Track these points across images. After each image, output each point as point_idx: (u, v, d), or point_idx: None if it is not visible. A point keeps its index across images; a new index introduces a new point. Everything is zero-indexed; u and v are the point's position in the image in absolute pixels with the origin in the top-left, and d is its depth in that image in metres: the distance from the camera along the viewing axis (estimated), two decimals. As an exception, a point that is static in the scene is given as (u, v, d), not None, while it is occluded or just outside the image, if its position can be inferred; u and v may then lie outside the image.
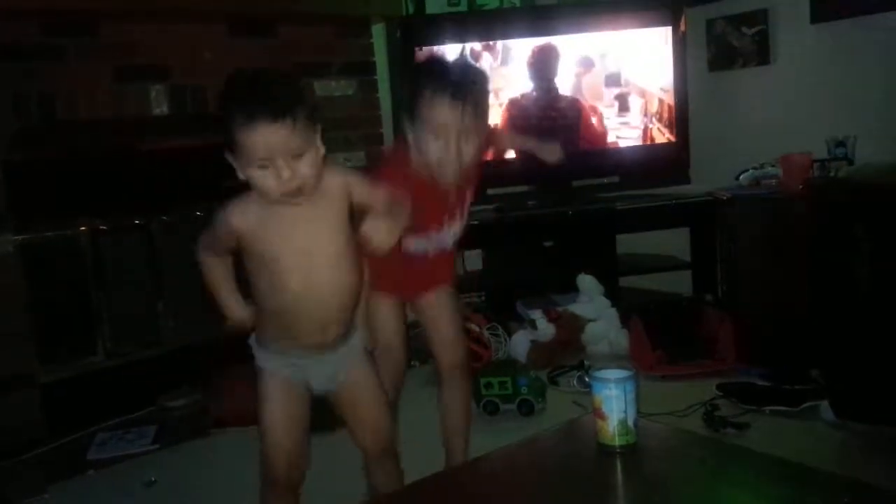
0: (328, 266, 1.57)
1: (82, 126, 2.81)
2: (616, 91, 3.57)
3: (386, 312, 2.00)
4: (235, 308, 1.72)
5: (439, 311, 2.04)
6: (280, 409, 1.68)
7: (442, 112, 1.68)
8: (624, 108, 3.59)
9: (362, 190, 1.59)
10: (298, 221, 1.53)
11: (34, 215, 2.78)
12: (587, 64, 3.54)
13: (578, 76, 3.55)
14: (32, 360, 2.73)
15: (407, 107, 1.77)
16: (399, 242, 1.77)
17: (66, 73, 2.73)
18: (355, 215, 1.60)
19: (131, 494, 2.35)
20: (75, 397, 2.83)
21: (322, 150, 1.52)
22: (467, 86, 1.71)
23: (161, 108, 2.96)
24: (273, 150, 1.42)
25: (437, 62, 1.96)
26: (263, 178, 1.46)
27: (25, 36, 2.64)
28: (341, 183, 1.56)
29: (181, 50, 2.98)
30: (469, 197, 1.96)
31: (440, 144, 1.71)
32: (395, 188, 1.65)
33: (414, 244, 1.88)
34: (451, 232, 1.94)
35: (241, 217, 1.58)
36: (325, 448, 2.01)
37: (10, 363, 2.65)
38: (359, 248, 1.60)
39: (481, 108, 1.73)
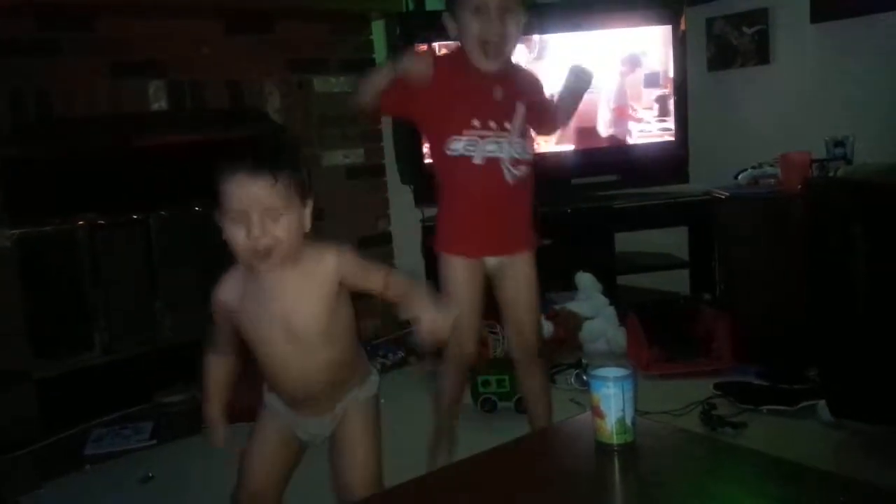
0: (310, 345, 1.53)
1: (79, 122, 2.80)
2: (616, 89, 3.56)
3: (460, 278, 1.87)
4: (214, 421, 1.71)
5: (517, 283, 1.94)
6: (266, 448, 1.69)
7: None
8: (624, 105, 3.58)
9: (356, 274, 1.52)
10: (279, 297, 1.50)
11: (31, 211, 2.78)
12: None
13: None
14: (29, 355, 2.73)
15: (447, 4, 1.80)
16: (448, 159, 1.80)
17: (62, 68, 2.72)
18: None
19: (127, 490, 2.35)
20: (72, 393, 2.83)
21: (307, 223, 1.48)
22: None
23: (159, 104, 2.95)
24: (248, 203, 1.41)
25: None
26: (234, 232, 1.43)
27: (22, 31, 2.63)
28: (333, 265, 1.50)
29: (178, 46, 2.97)
30: (521, 111, 1.83)
31: (481, 20, 1.72)
32: (442, 64, 1.75)
33: (455, 143, 1.79)
34: (502, 142, 1.80)
35: (226, 288, 1.56)
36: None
37: (5, 359, 2.65)
38: (351, 326, 1.58)
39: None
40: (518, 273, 1.95)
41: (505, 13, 1.73)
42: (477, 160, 1.80)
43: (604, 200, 3.57)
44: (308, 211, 1.49)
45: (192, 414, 2.83)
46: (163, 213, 3.17)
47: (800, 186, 2.80)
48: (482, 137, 1.80)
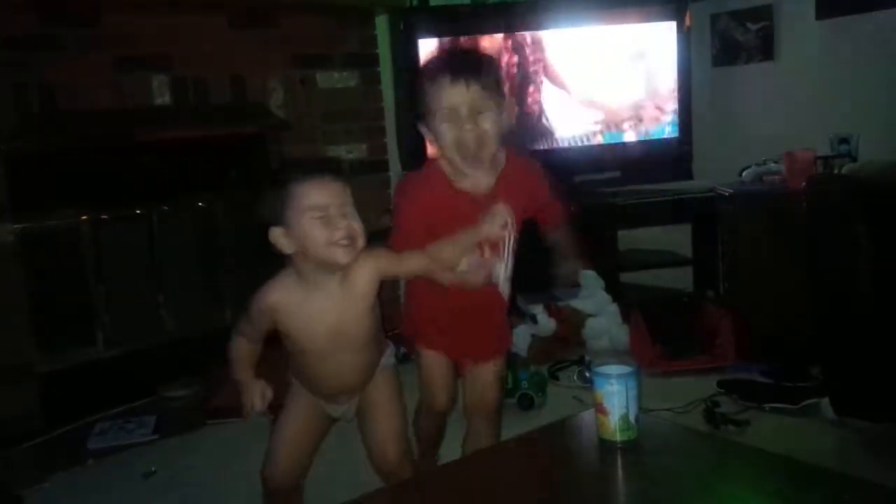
0: (352, 350, 1.67)
1: (83, 116, 2.80)
2: (619, 86, 3.56)
3: (434, 367, 1.89)
4: (246, 381, 1.75)
5: (485, 382, 1.91)
6: (296, 425, 1.78)
7: (446, 93, 1.61)
8: (627, 102, 3.57)
9: (393, 266, 1.70)
10: (327, 306, 1.62)
11: (34, 205, 2.78)
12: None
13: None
14: (32, 349, 2.73)
15: (416, 107, 1.71)
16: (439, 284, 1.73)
17: (66, 63, 2.71)
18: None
19: (130, 484, 2.35)
20: (75, 387, 2.83)
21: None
22: (467, 64, 1.65)
23: (162, 99, 2.95)
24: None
25: (434, 56, 1.88)
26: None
27: (25, 26, 2.63)
28: (372, 267, 1.64)
29: (182, 41, 2.96)
30: (512, 228, 1.68)
31: (454, 125, 1.63)
32: (420, 207, 1.72)
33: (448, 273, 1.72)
34: (497, 267, 1.73)
35: (274, 293, 1.67)
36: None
37: (9, 353, 2.65)
38: (379, 316, 1.69)
39: (490, 82, 1.63)
40: (490, 372, 1.91)
41: (477, 114, 1.62)
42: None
43: (607, 197, 3.56)
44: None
45: (195, 408, 2.84)
46: (166, 207, 3.16)
47: (804, 184, 2.80)
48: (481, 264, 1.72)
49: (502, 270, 1.74)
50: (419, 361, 1.91)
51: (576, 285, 1.95)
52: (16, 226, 2.69)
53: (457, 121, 1.63)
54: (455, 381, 1.95)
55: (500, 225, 1.63)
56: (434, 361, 1.89)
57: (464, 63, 1.65)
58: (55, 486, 2.35)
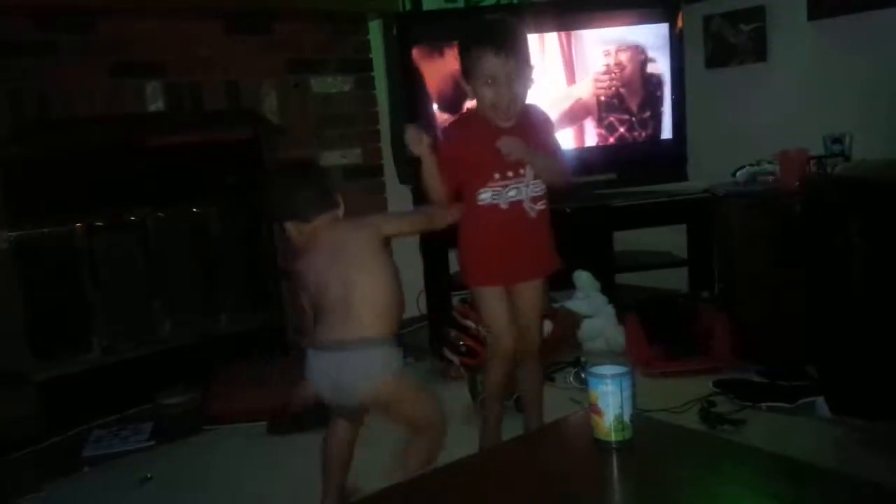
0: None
1: (78, 123, 2.80)
2: (612, 88, 3.56)
3: (494, 302, 2.15)
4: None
5: (531, 298, 2.20)
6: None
7: (489, 63, 1.94)
8: (621, 104, 3.58)
9: (392, 224, 2.08)
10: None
11: (30, 212, 2.78)
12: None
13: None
14: (28, 357, 2.73)
15: (462, 71, 2.03)
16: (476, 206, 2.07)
17: (61, 69, 2.71)
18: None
19: (127, 491, 2.35)
20: (71, 395, 2.83)
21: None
22: (506, 37, 1.97)
23: (157, 105, 2.95)
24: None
25: (475, 26, 2.15)
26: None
27: (20, 32, 2.63)
28: (373, 227, 1.97)
29: (177, 46, 2.96)
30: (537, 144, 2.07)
31: (493, 89, 1.97)
32: (456, 131, 2.13)
33: (483, 194, 2.06)
34: (521, 186, 2.07)
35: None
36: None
37: (5, 361, 2.65)
38: (394, 279, 1.96)
39: (522, 53, 1.98)
40: (535, 289, 2.21)
41: (514, 80, 1.97)
42: (503, 206, 2.08)
43: (602, 199, 3.57)
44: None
45: (191, 415, 2.83)
46: (161, 213, 3.17)
47: (798, 183, 2.81)
48: (504, 186, 2.07)
49: (525, 190, 2.09)
50: (481, 303, 2.18)
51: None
52: (11, 233, 2.69)
53: (495, 86, 1.97)
54: (513, 321, 2.17)
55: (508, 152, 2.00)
56: (493, 296, 2.15)
57: (503, 37, 1.97)
58: (51, 494, 2.35)
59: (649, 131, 3.60)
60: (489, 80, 1.97)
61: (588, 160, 3.61)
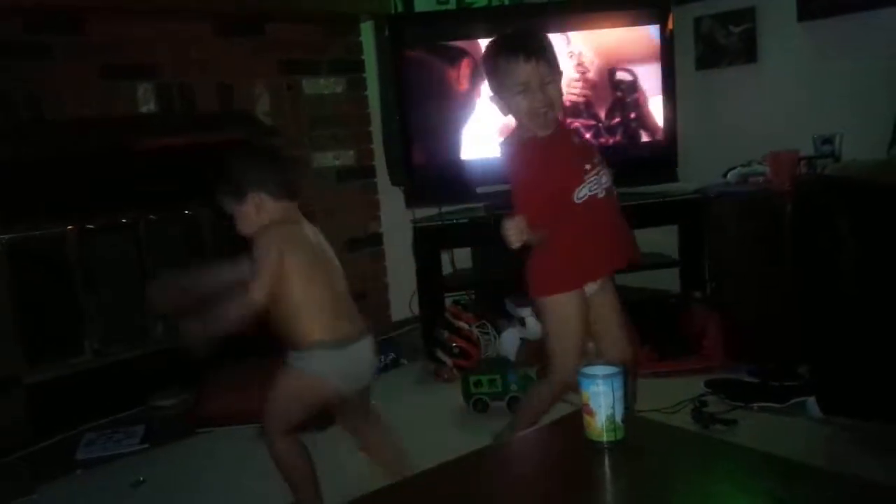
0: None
1: (69, 124, 2.79)
2: (604, 89, 3.57)
3: (575, 311, 2.05)
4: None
5: (611, 304, 2.12)
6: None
7: (520, 70, 1.91)
8: (612, 105, 3.59)
9: None
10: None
11: (21, 215, 2.77)
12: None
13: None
14: (20, 360, 2.72)
15: (492, 87, 2.00)
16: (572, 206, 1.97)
17: (52, 71, 2.70)
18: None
19: (119, 494, 2.34)
20: (63, 397, 2.81)
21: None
22: (534, 44, 1.95)
23: (149, 107, 2.95)
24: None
25: (501, 40, 2.06)
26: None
27: (10, 34, 2.62)
28: None
29: (169, 48, 2.96)
30: (589, 141, 2.15)
31: (528, 97, 1.92)
32: (526, 158, 1.99)
33: (581, 191, 1.98)
34: (600, 177, 2.01)
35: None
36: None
37: (-4, 363, 2.64)
38: None
39: (551, 58, 1.95)
40: (611, 292, 2.14)
41: (546, 85, 1.93)
42: (601, 194, 2.01)
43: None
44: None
45: (184, 417, 2.83)
46: (153, 216, 3.16)
47: (788, 184, 2.82)
48: (588, 180, 2.00)
49: (603, 178, 2.02)
50: (562, 312, 2.05)
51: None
52: (3, 235, 2.68)
53: (529, 92, 1.92)
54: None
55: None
56: (575, 303, 2.04)
57: (531, 43, 1.94)
58: (44, 497, 2.35)
59: (640, 132, 3.61)
60: (522, 89, 1.93)
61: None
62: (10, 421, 2.64)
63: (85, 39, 2.76)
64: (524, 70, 1.91)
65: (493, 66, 1.97)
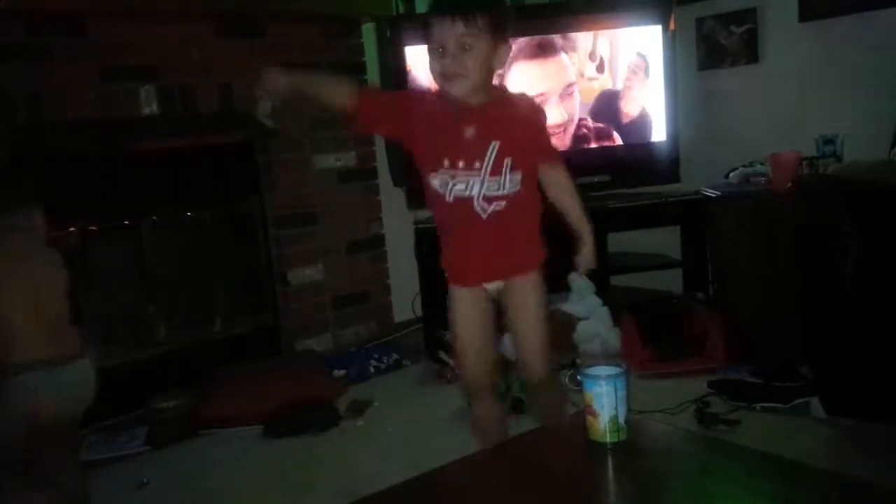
0: None
1: (70, 126, 2.79)
2: (606, 90, 3.57)
3: (462, 308, 1.90)
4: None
5: (515, 309, 1.92)
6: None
7: (436, 28, 1.71)
8: (614, 105, 3.59)
9: None
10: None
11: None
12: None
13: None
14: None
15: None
16: (430, 190, 1.81)
17: (53, 73, 2.70)
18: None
19: (123, 496, 2.34)
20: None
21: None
22: (459, 2, 1.72)
23: (150, 108, 2.95)
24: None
25: None
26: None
27: (11, 35, 2.62)
28: None
29: (169, 50, 2.96)
30: (500, 156, 1.77)
31: (441, 56, 1.72)
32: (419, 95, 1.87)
33: (432, 180, 1.81)
34: (470, 182, 1.78)
35: None
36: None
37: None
38: None
39: (479, 23, 1.70)
40: (517, 297, 1.92)
41: (464, 51, 1.70)
42: (448, 198, 1.81)
43: (596, 201, 3.57)
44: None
45: (186, 419, 2.82)
46: (154, 217, 3.16)
47: (790, 185, 2.82)
48: (452, 177, 1.79)
49: (476, 187, 1.78)
50: (452, 305, 1.91)
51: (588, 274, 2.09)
52: (4, 238, 2.68)
53: (443, 54, 1.72)
54: (490, 350, 1.95)
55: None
56: (461, 301, 1.90)
57: (462, 2, 1.71)
58: (46, 499, 2.34)
59: (642, 133, 3.61)
60: (437, 48, 1.72)
61: (582, 162, 3.61)
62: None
63: (86, 41, 2.77)
64: (442, 29, 1.70)
65: (425, 18, 1.77)
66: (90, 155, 2.89)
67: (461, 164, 1.77)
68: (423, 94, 1.89)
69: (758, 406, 2.51)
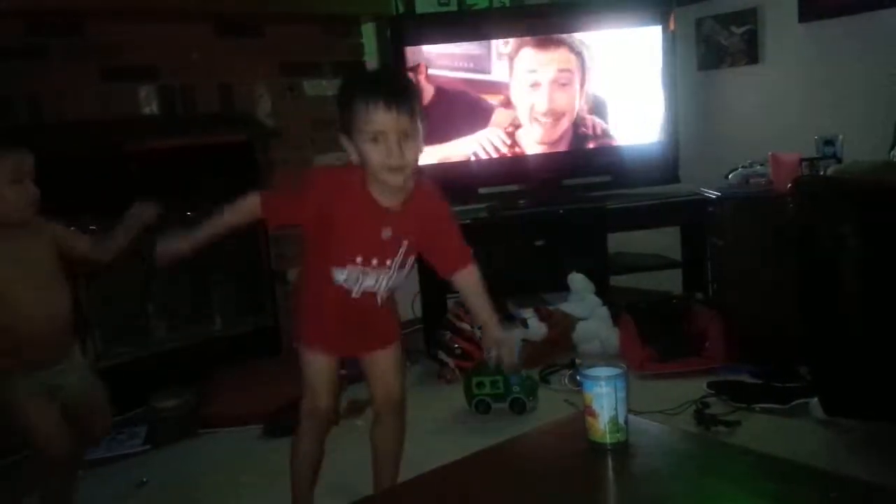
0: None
1: (69, 127, 2.79)
2: (606, 90, 3.57)
3: (318, 367, 1.92)
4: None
5: (383, 370, 1.97)
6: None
7: (378, 117, 1.65)
8: (614, 106, 3.59)
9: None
10: None
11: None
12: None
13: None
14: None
15: (342, 123, 1.73)
16: (326, 279, 1.80)
17: (52, 73, 2.70)
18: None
19: (122, 495, 2.34)
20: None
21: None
22: (399, 89, 1.70)
23: (150, 108, 2.95)
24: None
25: (364, 72, 1.87)
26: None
27: (10, 36, 2.62)
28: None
29: (169, 50, 2.96)
30: (407, 252, 1.81)
31: (380, 149, 1.66)
32: (334, 178, 1.79)
33: (338, 274, 1.80)
34: (380, 278, 1.81)
35: None
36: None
37: None
38: None
39: (416, 110, 1.69)
40: (378, 364, 1.97)
41: (404, 140, 1.67)
42: (355, 294, 1.82)
43: (596, 201, 3.58)
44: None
45: (186, 418, 2.82)
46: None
47: (790, 185, 2.82)
48: (363, 273, 1.80)
49: (384, 282, 1.83)
50: (304, 361, 1.92)
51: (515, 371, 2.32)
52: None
53: (383, 144, 1.66)
54: (337, 383, 1.99)
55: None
56: (319, 362, 1.91)
57: (395, 89, 1.69)
58: (46, 498, 2.34)
59: (642, 134, 3.61)
60: (375, 138, 1.66)
61: (582, 162, 3.62)
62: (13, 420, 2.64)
63: (85, 41, 2.77)
64: (382, 118, 1.64)
65: (348, 102, 1.69)
66: (90, 155, 2.89)
67: (374, 261, 1.79)
68: (343, 183, 1.78)
69: (757, 407, 2.51)
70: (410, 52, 3.40)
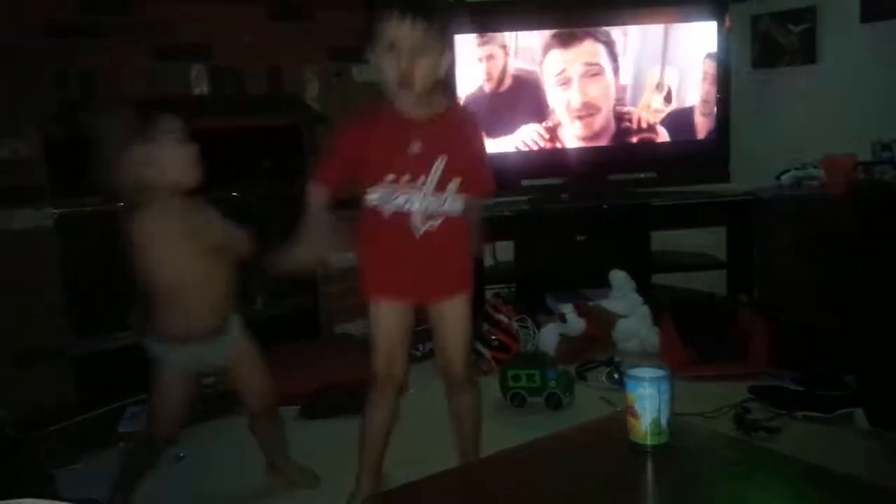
0: None
1: (121, 104, 2.83)
2: (657, 85, 3.52)
3: (384, 325, 1.91)
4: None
5: (447, 326, 1.94)
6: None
7: (392, 24, 1.67)
8: (664, 102, 3.54)
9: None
10: None
11: (72, 191, 2.82)
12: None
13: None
14: (67, 333, 2.77)
15: (370, 36, 1.74)
16: (374, 214, 1.80)
17: (105, 50, 2.75)
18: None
19: (159, 468, 2.38)
20: (108, 371, 2.87)
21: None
22: (417, 3, 1.69)
23: (200, 88, 2.98)
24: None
25: None
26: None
27: (65, 14, 2.66)
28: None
29: (221, 31, 2.99)
30: (440, 165, 1.78)
31: (393, 58, 1.69)
32: (357, 130, 1.82)
33: (372, 194, 1.79)
34: (413, 196, 1.78)
35: None
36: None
37: (44, 336, 2.70)
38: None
39: (435, 27, 1.69)
40: (444, 318, 1.93)
41: (417, 54, 1.68)
42: (386, 213, 1.80)
43: (641, 197, 3.53)
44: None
45: (224, 393, 2.85)
46: (200, 196, 3.18)
47: (844, 190, 2.75)
48: (394, 191, 1.79)
49: (417, 202, 1.78)
50: (372, 321, 1.92)
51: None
52: (55, 210, 2.74)
53: (394, 54, 1.68)
54: (407, 352, 1.96)
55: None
56: (386, 319, 1.90)
57: (414, 2, 1.68)
58: (87, 467, 2.40)
59: (691, 130, 3.55)
60: (390, 47, 1.68)
61: (628, 157, 3.58)
62: (56, 392, 2.70)
63: (139, 20, 2.80)
64: (395, 28, 1.66)
65: (374, 15, 1.71)
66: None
67: (406, 177, 1.78)
68: (367, 115, 1.83)
69: (799, 414, 2.46)
70: (459, 37, 3.38)
